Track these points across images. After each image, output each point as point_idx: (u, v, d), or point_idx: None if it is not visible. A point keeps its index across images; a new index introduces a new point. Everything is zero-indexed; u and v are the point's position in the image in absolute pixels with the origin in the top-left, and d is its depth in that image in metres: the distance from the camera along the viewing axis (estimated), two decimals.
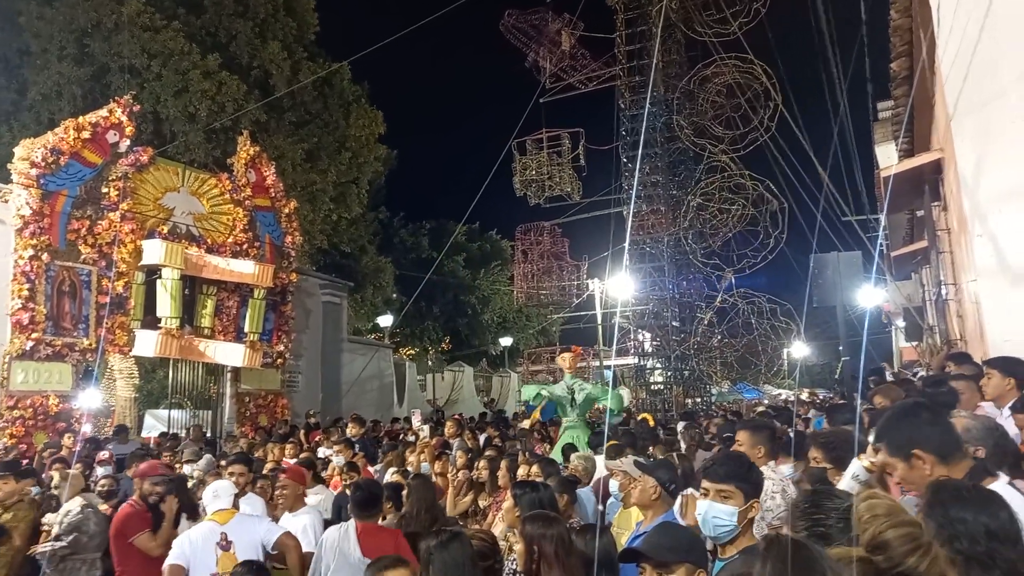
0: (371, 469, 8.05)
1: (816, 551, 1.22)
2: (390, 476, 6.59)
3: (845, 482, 2.73)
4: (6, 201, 12.12)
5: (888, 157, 13.86)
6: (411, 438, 10.34)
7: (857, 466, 2.74)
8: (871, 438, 2.78)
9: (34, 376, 11.96)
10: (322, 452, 9.51)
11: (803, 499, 2.03)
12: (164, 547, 5.00)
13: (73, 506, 5.88)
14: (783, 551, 1.22)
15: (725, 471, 2.60)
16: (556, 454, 7.78)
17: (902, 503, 2.08)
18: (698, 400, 23.74)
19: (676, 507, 3.70)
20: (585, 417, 8.69)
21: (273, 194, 16.40)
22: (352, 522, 4.56)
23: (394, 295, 29.15)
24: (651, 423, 11.88)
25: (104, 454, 9.05)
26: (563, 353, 9.48)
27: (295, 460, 8.05)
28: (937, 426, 2.38)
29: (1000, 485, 2.30)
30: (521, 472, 5.34)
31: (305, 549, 4.99)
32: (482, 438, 10.49)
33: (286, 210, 16.63)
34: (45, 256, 12.15)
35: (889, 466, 2.43)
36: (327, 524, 5.70)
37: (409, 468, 7.40)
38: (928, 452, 2.31)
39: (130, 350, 13.26)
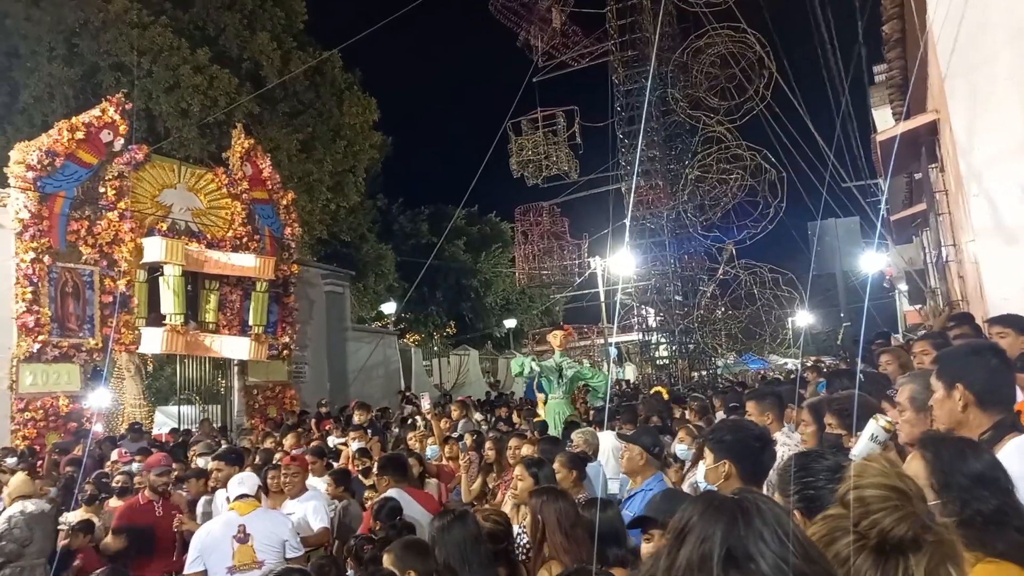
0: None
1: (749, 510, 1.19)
2: None
3: (863, 442, 2.73)
4: (4, 205, 12.16)
5: (885, 121, 13.82)
6: (422, 423, 10.44)
7: (874, 426, 2.73)
8: (895, 398, 2.82)
9: (43, 378, 12.05)
10: (332, 441, 9.60)
11: (791, 462, 2.06)
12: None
13: (7, 514, 5.69)
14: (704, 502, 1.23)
15: (706, 436, 2.81)
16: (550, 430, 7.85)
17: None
18: (704, 373, 23.82)
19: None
20: (571, 395, 8.72)
21: (270, 186, 16.39)
22: (400, 491, 4.84)
23: (396, 282, 29.20)
24: (665, 396, 11.84)
25: (126, 452, 9.14)
26: (554, 331, 9.53)
27: (300, 450, 8.14)
28: (996, 374, 2.39)
29: (1020, 440, 2.30)
30: (526, 451, 5.40)
31: (317, 527, 5.21)
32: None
33: (284, 202, 16.63)
34: (46, 258, 12.20)
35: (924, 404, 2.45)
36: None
37: (420, 452, 7.46)
38: (969, 391, 2.33)
39: (136, 348, 13.34)
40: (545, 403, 8.98)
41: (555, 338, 9.19)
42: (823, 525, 1.36)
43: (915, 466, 1.91)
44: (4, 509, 5.88)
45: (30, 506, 5.80)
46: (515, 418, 10.08)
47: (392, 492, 4.78)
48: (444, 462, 7.37)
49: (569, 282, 28.54)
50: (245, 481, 4.79)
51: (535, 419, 8.92)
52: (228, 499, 4.77)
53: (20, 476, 6.43)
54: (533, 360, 8.82)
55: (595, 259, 26.46)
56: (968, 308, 7.48)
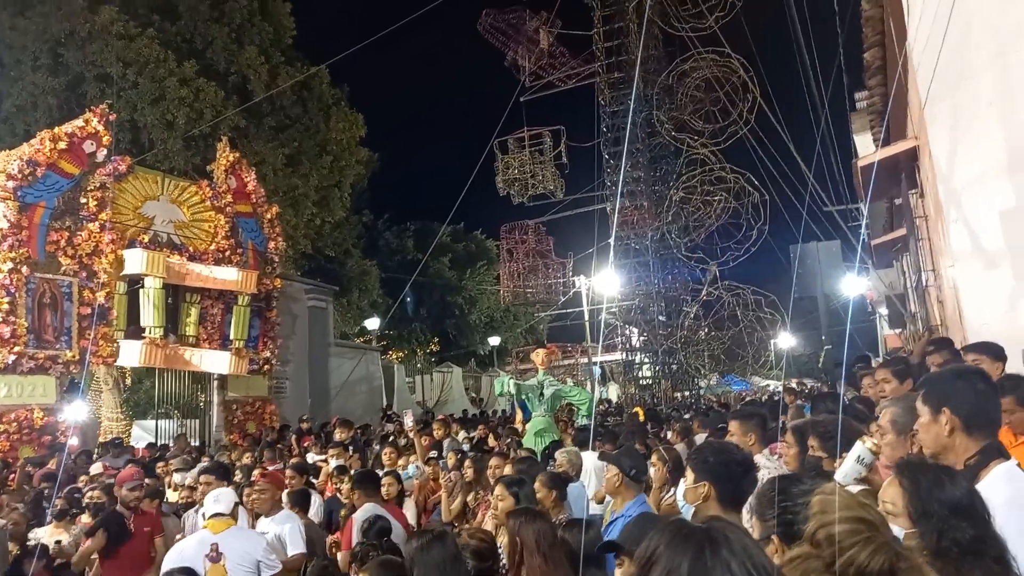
0: None
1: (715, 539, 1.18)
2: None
3: (848, 464, 2.72)
4: None
5: (867, 147, 14.01)
6: (402, 441, 10.34)
7: (861, 448, 2.72)
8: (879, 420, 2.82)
9: (17, 390, 11.83)
10: (311, 458, 9.48)
11: (769, 487, 2.04)
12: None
13: None
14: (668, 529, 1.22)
15: (690, 456, 2.82)
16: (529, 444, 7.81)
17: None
18: (686, 393, 23.83)
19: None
20: (553, 414, 8.70)
21: (254, 200, 16.29)
22: (376, 506, 4.83)
23: (380, 298, 29.07)
24: (641, 417, 11.85)
25: (110, 467, 9.00)
26: (537, 350, 9.56)
27: (275, 467, 8.04)
28: (982, 398, 2.35)
29: (1007, 467, 2.28)
30: (507, 470, 5.35)
31: (293, 551, 5.04)
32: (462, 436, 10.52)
33: (268, 215, 16.54)
34: (25, 269, 12.04)
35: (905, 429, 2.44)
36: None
37: (400, 470, 7.39)
38: (956, 415, 2.30)
39: (114, 361, 13.15)
40: (526, 422, 8.94)
41: (538, 356, 9.19)
42: (794, 568, 1.34)
43: (892, 492, 1.89)
44: None
45: None
46: (491, 440, 9.96)
47: (368, 507, 4.71)
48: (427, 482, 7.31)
49: (553, 301, 28.56)
50: (220, 499, 4.64)
51: (516, 436, 8.87)
52: (203, 516, 4.67)
53: None
54: (511, 379, 8.83)
55: (580, 278, 26.50)
56: (947, 333, 7.54)
